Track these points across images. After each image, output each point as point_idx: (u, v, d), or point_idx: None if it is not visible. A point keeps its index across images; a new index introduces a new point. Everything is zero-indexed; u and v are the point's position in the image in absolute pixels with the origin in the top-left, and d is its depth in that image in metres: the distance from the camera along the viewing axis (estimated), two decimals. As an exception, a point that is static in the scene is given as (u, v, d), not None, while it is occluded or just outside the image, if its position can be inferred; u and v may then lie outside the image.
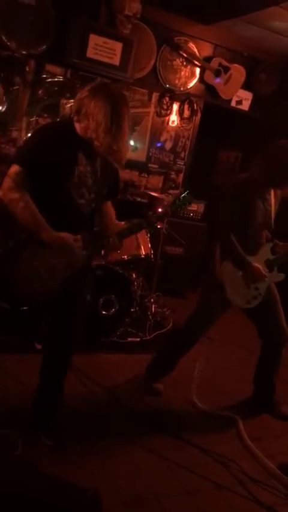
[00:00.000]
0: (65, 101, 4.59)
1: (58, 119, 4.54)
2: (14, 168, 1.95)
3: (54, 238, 2.01)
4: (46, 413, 2.36)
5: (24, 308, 2.70)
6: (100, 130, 1.92)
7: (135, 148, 5.07)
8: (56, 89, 4.51)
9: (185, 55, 4.85)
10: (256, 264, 2.75)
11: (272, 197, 2.82)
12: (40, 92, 4.39)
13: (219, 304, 2.80)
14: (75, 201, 2.07)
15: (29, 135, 2.15)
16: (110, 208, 2.39)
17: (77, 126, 2.03)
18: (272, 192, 2.81)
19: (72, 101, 4.63)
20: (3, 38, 3.95)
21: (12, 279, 2.01)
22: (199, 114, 5.28)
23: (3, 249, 2.00)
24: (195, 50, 4.91)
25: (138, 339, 3.75)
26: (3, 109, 4.30)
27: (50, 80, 4.46)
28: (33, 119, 4.46)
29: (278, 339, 2.94)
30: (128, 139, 4.87)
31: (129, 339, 3.71)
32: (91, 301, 3.47)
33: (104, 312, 3.55)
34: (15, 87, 4.31)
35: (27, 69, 4.28)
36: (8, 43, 3.98)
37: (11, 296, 2.08)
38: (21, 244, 2.01)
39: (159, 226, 4.06)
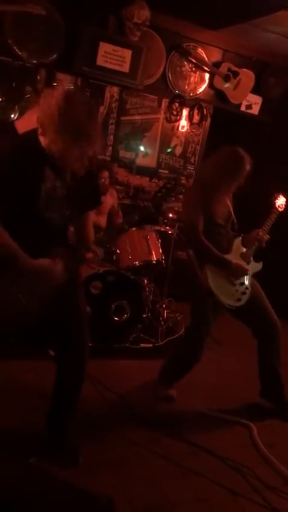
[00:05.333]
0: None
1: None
2: None
3: (31, 266, 1.92)
4: (61, 424, 2.35)
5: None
6: (60, 141, 1.84)
7: (145, 154, 5.10)
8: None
9: (194, 61, 4.86)
10: (235, 261, 2.80)
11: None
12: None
13: (211, 309, 2.83)
14: (46, 216, 1.99)
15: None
16: (87, 220, 2.30)
17: (41, 139, 1.92)
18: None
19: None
20: (15, 48, 4.00)
21: None
22: (209, 119, 5.29)
23: None
24: (204, 55, 4.92)
25: (151, 345, 3.75)
26: (16, 117, 4.35)
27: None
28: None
29: (270, 331, 2.96)
30: (135, 144, 4.92)
31: (142, 345, 3.71)
32: (103, 308, 3.50)
33: (116, 318, 3.56)
34: (26, 96, 4.36)
35: (38, 78, 4.33)
36: (20, 53, 4.03)
37: None
38: None
39: (170, 232, 4.07)
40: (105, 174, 4.14)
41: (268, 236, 2.95)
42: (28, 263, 1.92)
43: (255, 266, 2.95)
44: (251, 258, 2.93)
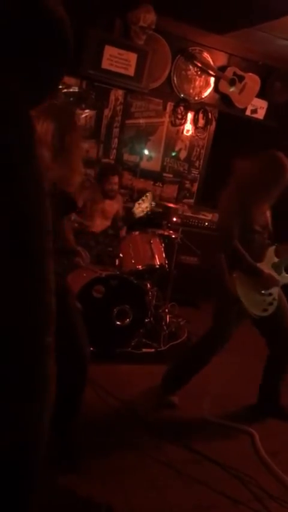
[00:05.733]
0: (80, 112, 4.64)
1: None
2: None
3: None
4: (63, 429, 2.33)
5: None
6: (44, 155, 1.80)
7: (150, 158, 5.09)
8: (71, 99, 4.55)
9: (199, 65, 4.87)
10: (267, 271, 2.74)
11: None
12: (56, 102, 4.43)
13: (236, 316, 2.77)
14: None
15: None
16: (67, 225, 2.29)
17: None
18: None
19: (87, 111, 4.67)
20: (20, 50, 4.01)
21: None
22: (214, 123, 5.29)
23: None
24: (210, 59, 4.92)
25: (153, 350, 3.73)
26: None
27: (65, 90, 4.51)
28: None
29: (286, 348, 2.92)
30: (139, 148, 4.91)
31: (144, 350, 3.69)
32: (105, 312, 3.48)
33: (118, 323, 3.54)
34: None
35: (43, 81, 4.33)
36: (25, 56, 4.04)
37: None
38: None
39: (173, 236, 4.05)
40: (116, 179, 4.12)
41: None
42: None
43: (285, 278, 2.86)
44: (283, 269, 2.84)
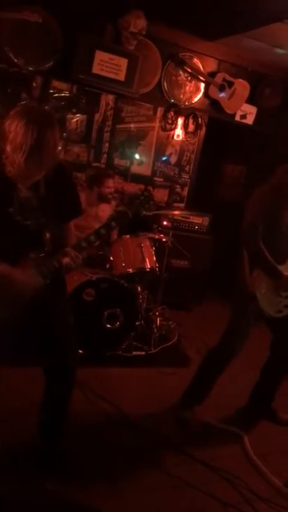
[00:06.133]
0: (71, 116, 4.65)
1: (64, 134, 4.59)
2: None
3: None
4: (52, 432, 2.33)
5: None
6: (14, 155, 1.81)
7: (140, 162, 5.11)
8: (62, 104, 4.56)
9: (189, 70, 4.91)
10: (287, 273, 2.74)
11: None
12: (47, 107, 4.44)
13: (252, 315, 2.79)
14: (20, 222, 1.98)
15: None
16: (69, 230, 2.24)
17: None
18: None
19: (78, 115, 4.69)
20: (11, 55, 4.01)
21: None
22: (204, 129, 5.32)
23: None
24: (200, 65, 4.96)
25: (144, 353, 3.73)
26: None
27: (56, 95, 4.52)
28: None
29: None
30: (130, 153, 4.93)
31: (135, 353, 3.69)
32: (96, 315, 3.48)
33: (108, 326, 3.54)
34: (22, 103, 4.36)
35: (34, 85, 4.35)
36: (16, 60, 4.05)
37: None
38: None
39: (164, 240, 4.07)
40: (110, 183, 4.13)
41: None
42: None
43: None
44: None
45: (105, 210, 4.14)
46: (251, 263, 2.74)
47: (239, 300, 2.84)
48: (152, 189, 2.34)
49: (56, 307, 2.19)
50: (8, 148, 1.83)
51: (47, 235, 2.05)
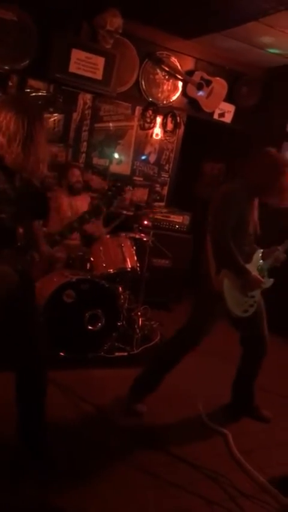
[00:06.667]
0: (48, 115, 4.59)
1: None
2: None
3: None
4: (32, 433, 2.29)
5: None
6: (11, 145, 1.86)
7: (119, 162, 5.09)
8: (39, 103, 4.51)
9: (167, 69, 4.90)
10: (254, 273, 2.77)
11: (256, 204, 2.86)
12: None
13: (215, 314, 2.79)
14: None
15: None
16: (38, 227, 2.24)
17: None
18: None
19: (55, 115, 4.64)
20: (-15, 53, 3.95)
21: None
22: (182, 127, 5.33)
23: None
24: (177, 63, 4.96)
25: (126, 354, 3.71)
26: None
27: (33, 94, 4.47)
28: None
29: (260, 349, 2.98)
30: (108, 152, 4.91)
31: (117, 354, 3.67)
32: (77, 317, 3.45)
33: (90, 327, 3.51)
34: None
35: (10, 84, 4.28)
36: (-10, 58, 3.98)
37: None
38: None
39: (145, 239, 4.05)
40: (76, 172, 4.11)
41: (285, 256, 2.91)
42: None
43: (268, 282, 2.90)
44: (266, 273, 2.89)
45: (81, 203, 4.09)
46: (218, 263, 2.72)
47: (206, 299, 2.83)
48: (121, 183, 2.36)
49: (27, 304, 2.15)
50: (2, 139, 1.86)
51: (20, 230, 2.03)
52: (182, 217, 5.09)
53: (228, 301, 2.72)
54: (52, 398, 2.33)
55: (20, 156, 1.88)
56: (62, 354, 3.36)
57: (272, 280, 2.92)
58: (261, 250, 2.90)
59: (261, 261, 2.88)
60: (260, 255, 2.89)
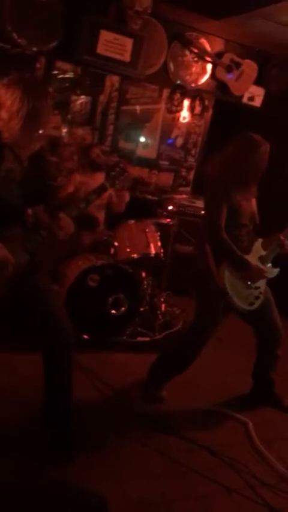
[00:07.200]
0: (75, 97, 4.57)
1: (68, 116, 4.53)
2: None
3: None
4: (57, 415, 2.32)
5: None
6: (11, 121, 1.92)
7: (145, 145, 5.03)
8: (66, 85, 4.49)
9: (196, 51, 4.79)
10: (255, 263, 2.69)
11: (253, 191, 2.80)
12: (50, 88, 4.37)
13: (221, 309, 2.73)
14: (3, 195, 2.00)
15: None
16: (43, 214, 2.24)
17: None
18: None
19: (82, 97, 4.61)
20: (14, 34, 3.92)
21: None
22: (210, 111, 5.23)
23: None
24: (207, 45, 4.84)
25: (148, 339, 3.72)
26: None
27: (60, 76, 4.44)
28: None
29: (273, 339, 2.93)
30: (135, 135, 4.86)
31: (139, 339, 3.68)
32: (100, 301, 3.47)
33: (113, 311, 3.53)
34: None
35: (38, 66, 4.27)
36: (19, 40, 3.96)
37: None
38: None
39: (169, 225, 4.02)
40: (96, 150, 4.07)
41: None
42: None
43: (271, 271, 2.81)
44: (269, 262, 2.80)
45: (96, 180, 4.06)
46: (217, 257, 2.65)
47: (208, 297, 2.75)
48: (124, 163, 2.36)
49: (38, 284, 2.16)
50: (4, 115, 1.93)
51: (29, 210, 2.06)
52: (207, 203, 5.03)
53: (233, 296, 2.65)
54: (74, 380, 2.33)
55: (18, 133, 1.94)
56: (85, 336, 3.39)
57: (277, 269, 2.82)
58: (261, 239, 2.79)
59: (262, 251, 2.78)
60: (260, 244, 2.78)
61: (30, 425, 2.34)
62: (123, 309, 3.56)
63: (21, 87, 1.92)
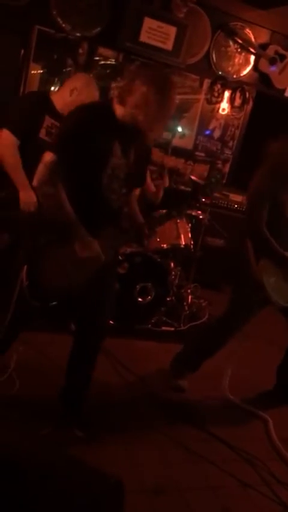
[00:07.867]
0: (115, 85, 4.57)
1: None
2: (50, 156, 1.90)
3: (84, 235, 1.96)
4: (76, 398, 2.37)
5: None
6: (147, 109, 1.89)
7: (182, 135, 5.00)
8: (107, 71, 4.50)
9: (240, 41, 4.71)
10: None
11: None
12: (91, 74, 4.39)
13: (257, 302, 2.72)
14: (106, 194, 2.02)
15: (67, 118, 2.08)
16: (134, 197, 2.33)
17: (118, 109, 1.96)
18: None
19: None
20: (59, 19, 3.96)
21: (40, 276, 2.01)
22: (251, 103, 5.14)
23: (33, 245, 2.01)
24: (251, 36, 4.75)
25: (173, 329, 3.74)
26: (56, 90, 4.33)
27: (102, 62, 4.45)
28: (83, 101, 4.47)
29: None
30: (172, 125, 4.83)
31: (164, 328, 3.70)
32: (128, 288, 3.50)
33: (140, 299, 3.55)
34: (67, 69, 4.32)
35: (80, 52, 4.29)
36: (63, 25, 3.99)
37: (39, 292, 2.05)
38: (50, 243, 2.00)
39: (201, 217, 4.00)
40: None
41: None
42: (83, 232, 1.96)
43: None
44: None
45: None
46: (257, 253, 2.63)
47: (247, 290, 2.73)
48: (219, 176, 2.41)
49: (110, 275, 2.25)
50: (140, 101, 1.90)
51: (125, 209, 2.15)
52: (241, 197, 4.96)
53: (270, 291, 2.62)
54: (97, 364, 2.38)
55: (154, 121, 1.94)
56: (111, 322, 3.43)
57: None
58: None
59: None
60: None
61: (52, 403, 2.39)
62: (149, 297, 3.57)
63: (155, 85, 1.91)
